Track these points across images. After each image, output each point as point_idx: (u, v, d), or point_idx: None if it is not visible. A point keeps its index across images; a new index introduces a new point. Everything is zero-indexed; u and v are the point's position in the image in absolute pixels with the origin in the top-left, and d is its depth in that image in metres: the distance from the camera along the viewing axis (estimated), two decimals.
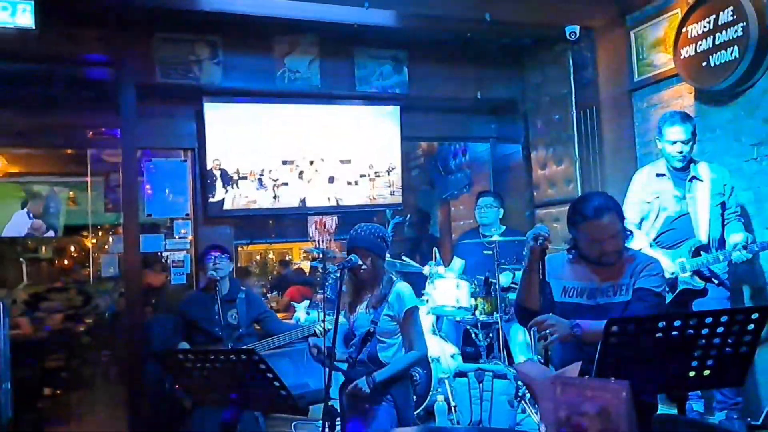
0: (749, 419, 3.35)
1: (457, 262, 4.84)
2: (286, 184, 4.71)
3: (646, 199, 3.53)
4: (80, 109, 4.29)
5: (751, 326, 1.84)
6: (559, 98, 4.84)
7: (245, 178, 4.59)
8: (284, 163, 4.71)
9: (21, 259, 6.37)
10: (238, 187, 4.56)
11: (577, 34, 4.36)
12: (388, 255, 3.04)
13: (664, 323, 1.82)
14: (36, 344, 4.64)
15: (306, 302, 4.72)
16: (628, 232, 2.41)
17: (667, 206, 3.43)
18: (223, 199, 4.51)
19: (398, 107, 5.01)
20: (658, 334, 1.81)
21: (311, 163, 4.79)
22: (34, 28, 3.47)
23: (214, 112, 4.49)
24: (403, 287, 2.75)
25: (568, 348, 2.22)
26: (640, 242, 3.50)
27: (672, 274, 3.30)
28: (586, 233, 2.32)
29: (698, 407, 3.46)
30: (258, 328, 3.80)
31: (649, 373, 1.88)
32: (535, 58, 5.11)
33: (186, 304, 3.74)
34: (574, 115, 4.69)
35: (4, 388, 3.08)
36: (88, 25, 3.95)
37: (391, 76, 4.94)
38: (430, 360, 3.84)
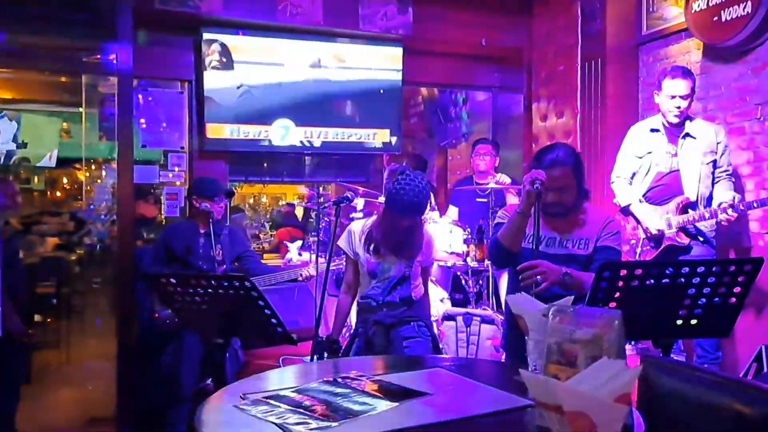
0: (728, 373, 3.43)
1: (452, 210, 4.85)
2: (284, 122, 4.65)
3: (638, 154, 3.52)
4: (75, 32, 4.16)
5: (742, 278, 1.86)
6: (565, 49, 4.75)
7: (242, 114, 4.52)
8: (282, 102, 4.63)
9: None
10: (234, 123, 4.50)
11: None
12: None
13: (657, 270, 1.85)
14: (27, 270, 4.64)
15: (299, 242, 4.74)
16: (586, 191, 2.45)
17: (659, 162, 3.43)
18: (219, 133, 4.46)
19: (401, 49, 4.91)
20: (649, 281, 1.84)
21: (311, 102, 4.72)
22: None
23: (212, 44, 4.39)
24: (431, 233, 2.86)
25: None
26: (630, 197, 3.52)
27: (658, 230, 3.33)
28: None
29: (680, 358, 3.53)
30: (237, 265, 3.77)
31: (637, 319, 1.91)
32: (545, 7, 5.00)
33: (168, 233, 3.66)
34: (579, 66, 4.62)
35: None
36: None
37: (395, 16, 4.83)
38: None
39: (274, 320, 2.10)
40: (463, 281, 4.37)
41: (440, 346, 3.83)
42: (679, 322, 1.93)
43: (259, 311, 2.07)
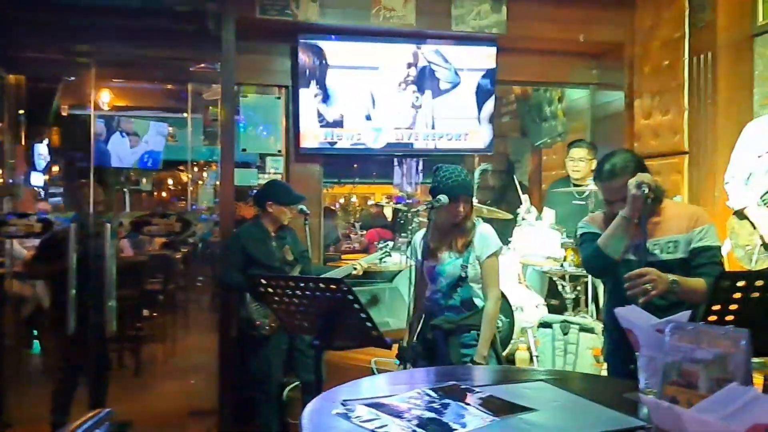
0: None
1: (548, 213, 4.71)
2: (375, 125, 4.69)
3: (756, 153, 3.27)
4: (182, 44, 4.38)
5: None
6: (671, 43, 4.49)
7: (336, 117, 4.60)
8: (374, 104, 4.67)
9: (124, 189, 6.77)
10: (329, 127, 4.58)
11: None
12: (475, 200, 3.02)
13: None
14: (137, 267, 4.96)
15: (388, 243, 4.77)
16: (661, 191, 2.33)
17: None
18: (314, 137, 4.55)
19: (494, 48, 4.83)
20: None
21: (404, 103, 4.73)
22: None
23: (308, 50, 4.50)
24: (487, 229, 2.74)
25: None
26: (746, 200, 3.28)
27: None
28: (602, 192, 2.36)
29: None
30: None
31: (757, 333, 1.78)
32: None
33: (243, 238, 3.66)
34: (687, 61, 4.35)
35: (110, 305, 3.30)
36: None
37: (489, 14, 4.75)
38: (513, 309, 3.80)
39: (369, 323, 2.11)
40: (559, 287, 4.23)
41: (535, 354, 3.74)
42: None
43: (355, 314, 2.09)
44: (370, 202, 8.56)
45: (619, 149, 2.54)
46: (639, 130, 4.85)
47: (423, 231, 2.88)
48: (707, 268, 2.22)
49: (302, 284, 2.11)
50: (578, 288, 4.16)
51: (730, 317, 1.76)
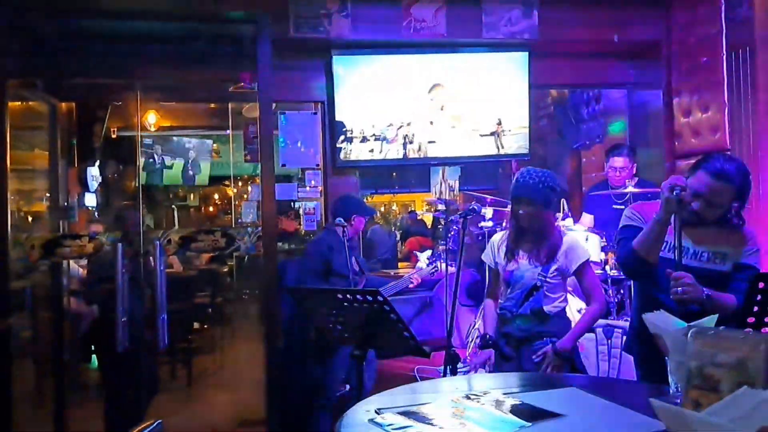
0: None
1: (586, 217, 4.68)
2: (410, 135, 4.75)
3: None
4: (222, 65, 4.54)
5: None
6: (708, 39, 4.41)
7: (370, 130, 4.68)
8: (407, 115, 4.74)
9: (173, 206, 7.02)
10: (365, 140, 4.67)
11: None
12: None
13: None
14: (186, 282, 5.14)
15: (428, 252, 4.82)
16: (742, 217, 2.29)
17: None
18: (351, 150, 4.65)
19: (527, 53, 4.84)
20: None
21: (437, 111, 4.78)
22: None
23: (342, 66, 4.60)
24: (573, 240, 2.75)
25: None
26: None
27: None
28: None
29: None
30: None
31: None
32: None
33: (326, 248, 3.84)
34: (725, 56, 4.27)
35: (162, 319, 3.45)
36: None
37: (519, 20, 4.76)
38: None
39: (407, 333, 2.17)
40: (602, 291, 4.19)
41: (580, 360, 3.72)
42: None
43: (392, 324, 2.15)
44: (410, 210, 8.62)
45: (732, 156, 2.47)
46: (679, 128, 4.77)
47: (503, 233, 2.90)
48: (738, 282, 2.20)
49: (340, 296, 2.18)
50: (621, 292, 4.11)
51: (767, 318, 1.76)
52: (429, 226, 7.29)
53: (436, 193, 5.45)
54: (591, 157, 6.26)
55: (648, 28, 4.93)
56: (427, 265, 4.34)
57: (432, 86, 4.76)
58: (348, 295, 2.16)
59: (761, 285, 1.69)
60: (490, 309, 2.87)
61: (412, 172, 5.22)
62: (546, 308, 2.68)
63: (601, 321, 3.79)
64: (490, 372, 2.81)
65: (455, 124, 4.81)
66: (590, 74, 5.30)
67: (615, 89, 5.59)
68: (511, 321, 2.71)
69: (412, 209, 8.42)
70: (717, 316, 1.45)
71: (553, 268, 2.67)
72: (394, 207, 9.97)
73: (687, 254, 2.26)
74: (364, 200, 4.08)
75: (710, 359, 1.05)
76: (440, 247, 5.47)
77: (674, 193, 2.16)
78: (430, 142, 4.77)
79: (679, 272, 2.09)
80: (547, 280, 2.66)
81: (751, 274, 2.19)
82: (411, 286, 4.00)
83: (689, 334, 1.11)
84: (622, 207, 4.21)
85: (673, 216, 2.19)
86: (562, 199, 4.74)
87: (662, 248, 2.27)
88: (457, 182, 5.72)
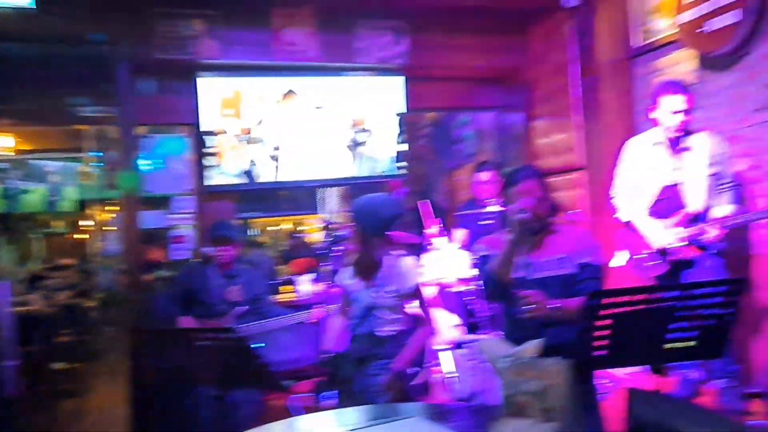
0: (746, 386, 3.36)
1: (460, 233, 4.84)
2: (285, 157, 4.72)
3: (639, 168, 3.50)
4: (80, 87, 4.32)
5: (730, 298, 1.84)
6: (561, 66, 4.76)
7: (244, 151, 4.60)
8: (283, 137, 4.71)
9: (34, 235, 6.49)
10: (237, 162, 4.58)
11: (576, 1, 4.26)
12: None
13: (649, 294, 1.84)
14: (47, 319, 4.76)
15: (310, 274, 4.77)
16: (556, 206, 2.47)
17: (661, 175, 3.39)
18: (223, 173, 4.54)
19: (403, 78, 4.98)
20: (641, 306, 1.83)
21: (314, 134, 4.79)
22: (34, 7, 3.50)
23: (210, 87, 4.50)
24: (406, 262, 2.78)
25: (524, 327, 2.23)
26: (633, 212, 3.49)
27: (663, 244, 3.29)
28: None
29: (694, 374, 3.46)
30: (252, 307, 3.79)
31: (630, 345, 1.90)
32: (538, 26, 5.02)
33: (185, 274, 3.72)
34: (576, 83, 4.61)
35: (9, 365, 3.17)
36: (86, 3, 3.95)
37: (391, 46, 4.89)
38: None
39: (264, 369, 2.11)
40: (474, 306, 4.34)
41: (450, 376, 3.81)
42: (674, 345, 1.91)
43: (251, 361, 2.10)
44: (295, 233, 8.53)
45: (526, 167, 2.66)
46: (539, 149, 5.09)
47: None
48: (588, 283, 2.35)
49: (193, 335, 2.10)
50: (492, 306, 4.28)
51: (605, 332, 1.88)
52: (314, 248, 7.24)
53: (322, 214, 5.44)
54: (464, 177, 6.52)
55: (510, 56, 5.24)
56: (313, 286, 4.28)
57: (285, 93, 4.75)
58: (201, 334, 2.09)
59: (593, 302, 1.80)
60: (333, 326, 2.87)
61: (296, 194, 5.18)
62: (379, 330, 2.69)
63: (471, 336, 3.93)
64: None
65: (329, 145, 4.83)
66: (462, 98, 5.54)
67: (484, 112, 5.88)
68: (353, 341, 2.75)
69: (296, 231, 8.35)
70: (541, 340, 1.53)
71: (386, 290, 2.71)
72: (279, 228, 9.81)
73: (535, 268, 2.40)
74: (242, 224, 3.94)
75: (519, 387, 1.11)
76: (324, 269, 5.44)
77: (523, 215, 2.30)
78: (305, 163, 4.76)
79: (527, 290, 2.21)
80: (381, 301, 2.69)
81: (593, 270, 2.38)
82: (307, 319, 3.89)
83: (503, 365, 1.17)
84: (491, 222, 4.40)
85: (520, 235, 2.31)
86: (437, 218, 4.88)
87: (515, 268, 2.39)
88: (339, 203, 5.75)
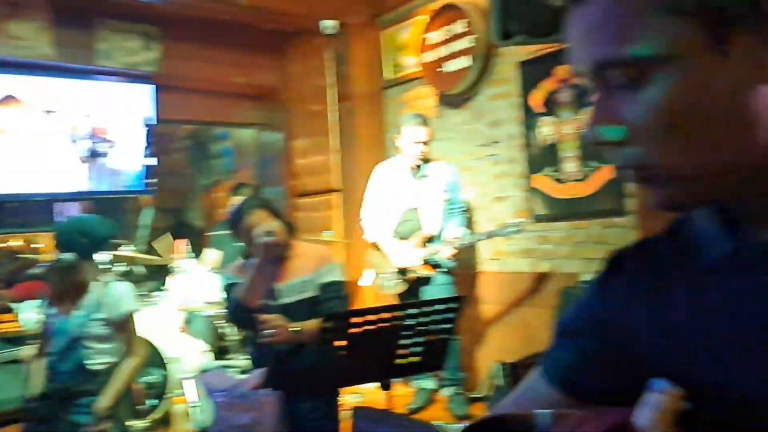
0: (472, 392, 3.73)
1: (212, 254, 4.66)
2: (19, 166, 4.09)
3: (385, 192, 3.73)
4: None
5: (451, 314, 2.01)
6: (320, 90, 4.88)
7: None
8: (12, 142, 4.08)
9: None
10: None
11: (334, 29, 4.42)
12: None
13: (375, 314, 1.92)
14: None
15: (35, 301, 4.17)
16: (291, 225, 2.51)
17: (403, 200, 3.65)
18: None
19: (153, 87, 4.63)
20: (370, 326, 1.91)
21: (51, 142, 4.21)
22: None
23: None
24: (119, 288, 2.52)
25: (269, 353, 2.22)
26: (379, 233, 3.70)
27: (404, 264, 3.54)
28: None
29: (430, 384, 3.75)
30: None
31: (363, 363, 1.97)
32: (298, 48, 5.10)
33: None
34: (333, 107, 4.76)
35: None
36: None
37: (139, 52, 4.55)
38: (169, 360, 3.61)
39: None
40: (224, 330, 4.19)
41: (193, 406, 3.61)
42: (400, 361, 2.02)
43: None
44: (19, 251, 7.44)
45: (250, 198, 2.62)
46: (297, 169, 5.16)
47: None
48: (332, 302, 2.38)
49: None
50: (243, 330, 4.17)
51: (342, 353, 1.92)
52: (40, 269, 6.39)
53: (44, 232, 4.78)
54: (222, 194, 6.33)
55: (269, 74, 5.24)
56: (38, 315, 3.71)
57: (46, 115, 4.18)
58: None
59: (328, 324, 1.84)
60: (37, 360, 2.53)
61: (25, 209, 4.49)
62: (89, 362, 2.44)
63: (218, 362, 3.78)
64: None
65: (62, 155, 4.31)
66: (219, 112, 5.37)
67: (243, 128, 5.78)
68: (56, 376, 2.44)
69: (22, 250, 7.30)
70: (265, 370, 1.50)
71: (94, 316, 2.46)
72: (5, 245, 8.49)
73: (281, 293, 2.38)
74: None
75: (232, 422, 1.06)
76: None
77: (268, 239, 2.26)
78: (34, 174, 4.18)
79: (267, 315, 2.18)
80: (88, 330, 2.44)
81: (335, 288, 2.41)
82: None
83: (217, 399, 1.10)
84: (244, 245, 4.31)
85: (264, 262, 2.27)
86: (187, 237, 4.64)
87: (260, 294, 2.33)
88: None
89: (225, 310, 3.88)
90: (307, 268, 2.44)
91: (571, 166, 3.42)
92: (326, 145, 4.86)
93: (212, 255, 4.59)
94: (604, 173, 3.27)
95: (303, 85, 5.05)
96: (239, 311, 2.33)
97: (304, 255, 2.49)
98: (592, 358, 0.70)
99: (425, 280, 3.57)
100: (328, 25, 4.41)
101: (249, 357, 4.00)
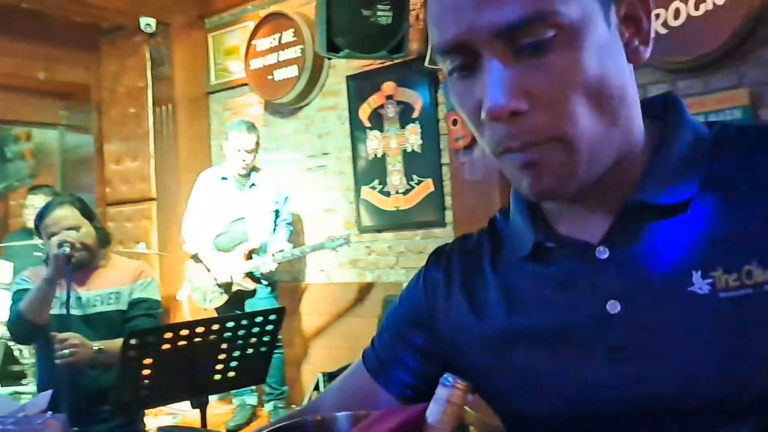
0: (294, 405, 3.67)
1: (4, 267, 4.11)
2: None
3: (208, 201, 3.56)
4: None
5: (270, 326, 1.95)
6: (136, 91, 4.55)
7: None
8: None
9: None
10: None
11: (153, 27, 4.16)
12: None
13: (189, 330, 1.81)
14: None
15: None
16: (105, 235, 2.33)
17: (227, 210, 3.51)
18: None
19: None
20: (182, 342, 1.80)
21: None
22: None
23: None
24: None
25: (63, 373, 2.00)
26: (200, 244, 3.52)
27: (226, 277, 3.40)
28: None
29: (252, 400, 3.63)
30: None
31: (174, 382, 1.84)
32: (113, 45, 4.71)
33: None
34: (151, 110, 4.47)
35: None
36: None
37: None
38: None
39: None
40: (16, 352, 3.71)
41: None
42: (217, 377, 1.92)
43: None
44: None
45: (65, 197, 2.32)
46: (109, 175, 4.74)
47: None
48: (140, 320, 2.22)
49: None
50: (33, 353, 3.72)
51: (146, 372, 1.77)
52: None
53: None
54: (21, 200, 5.63)
55: (79, 71, 4.79)
56: None
57: None
58: None
59: (133, 341, 1.70)
60: None
61: None
62: None
63: (8, 389, 3.34)
64: None
65: None
66: (17, 110, 4.79)
67: (45, 129, 5.21)
68: None
69: None
70: (49, 393, 1.32)
71: None
72: None
73: (81, 303, 2.16)
74: None
75: None
76: None
77: (62, 249, 2.04)
78: None
79: (65, 333, 1.96)
80: None
81: (148, 305, 2.24)
82: None
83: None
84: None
85: (57, 271, 2.05)
86: None
87: (53, 306, 2.10)
88: None
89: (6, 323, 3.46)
90: (118, 280, 2.26)
91: (396, 179, 3.54)
92: (142, 150, 4.53)
93: (4, 268, 4.04)
94: (426, 187, 3.43)
95: (118, 85, 4.67)
96: (21, 325, 2.10)
97: (118, 266, 2.31)
98: (411, 347, 0.72)
99: (250, 294, 3.46)
100: (148, 22, 4.14)
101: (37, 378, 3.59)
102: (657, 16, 2.55)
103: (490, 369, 0.64)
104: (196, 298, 3.56)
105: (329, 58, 3.44)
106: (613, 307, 0.57)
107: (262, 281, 3.45)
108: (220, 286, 3.47)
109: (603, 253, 0.59)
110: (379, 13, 2.89)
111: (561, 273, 0.61)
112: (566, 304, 0.60)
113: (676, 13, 2.54)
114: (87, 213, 2.22)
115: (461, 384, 0.53)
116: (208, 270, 3.49)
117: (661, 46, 2.49)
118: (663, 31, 2.56)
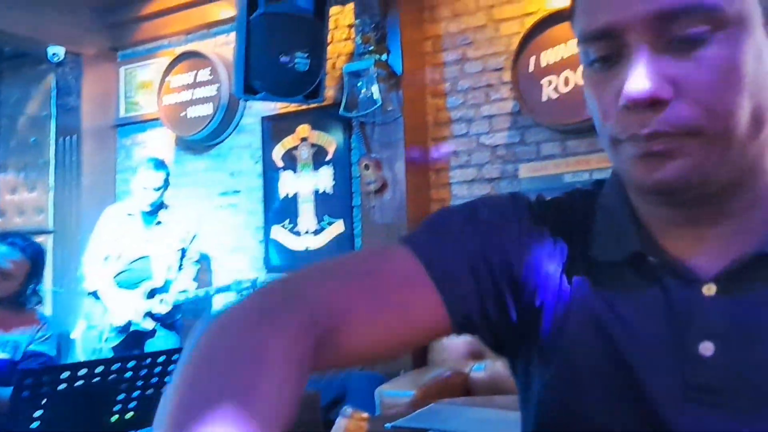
0: None
1: None
2: None
3: (112, 237, 3.44)
4: None
5: (173, 366, 1.91)
6: (39, 120, 4.38)
7: None
8: None
9: None
10: None
11: (61, 56, 4.04)
12: None
13: (87, 370, 1.75)
14: None
15: None
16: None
17: (132, 246, 3.41)
18: None
19: None
20: (78, 383, 1.73)
21: None
22: None
23: None
24: None
25: None
26: (100, 281, 3.39)
27: (125, 317, 3.28)
28: None
29: None
30: None
31: (68, 424, 1.76)
32: (16, 72, 4.53)
33: None
34: (53, 140, 4.30)
35: None
36: None
37: None
38: None
39: None
40: None
41: None
42: (115, 418, 1.85)
43: None
44: None
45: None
46: (4, 205, 4.49)
47: None
48: (31, 361, 2.12)
49: None
50: None
51: (39, 413, 1.69)
52: None
53: None
54: None
55: None
56: None
57: None
58: None
59: (27, 381, 1.61)
60: None
61: None
62: None
63: None
64: None
65: None
66: None
67: None
68: None
69: None
70: None
71: None
72: None
73: None
74: None
75: None
76: None
77: None
78: None
79: None
80: None
81: (42, 362, 2.13)
82: None
83: None
84: None
85: None
86: None
87: None
88: None
89: None
90: (23, 325, 2.14)
91: (307, 219, 3.58)
92: (41, 180, 4.33)
93: None
94: (337, 227, 3.49)
95: (19, 113, 4.47)
96: None
97: (26, 309, 2.18)
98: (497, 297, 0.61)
99: (149, 334, 3.34)
100: (56, 51, 4.02)
101: None
102: None
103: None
104: (91, 337, 3.39)
105: (246, 100, 3.48)
106: (706, 348, 0.53)
107: (164, 321, 3.34)
108: (118, 326, 3.34)
109: (710, 289, 0.54)
110: (297, 60, 2.97)
111: (658, 294, 0.56)
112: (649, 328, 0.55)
113: None
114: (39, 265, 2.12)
115: (357, 414, 0.56)
116: (108, 309, 3.35)
117: None
118: None
